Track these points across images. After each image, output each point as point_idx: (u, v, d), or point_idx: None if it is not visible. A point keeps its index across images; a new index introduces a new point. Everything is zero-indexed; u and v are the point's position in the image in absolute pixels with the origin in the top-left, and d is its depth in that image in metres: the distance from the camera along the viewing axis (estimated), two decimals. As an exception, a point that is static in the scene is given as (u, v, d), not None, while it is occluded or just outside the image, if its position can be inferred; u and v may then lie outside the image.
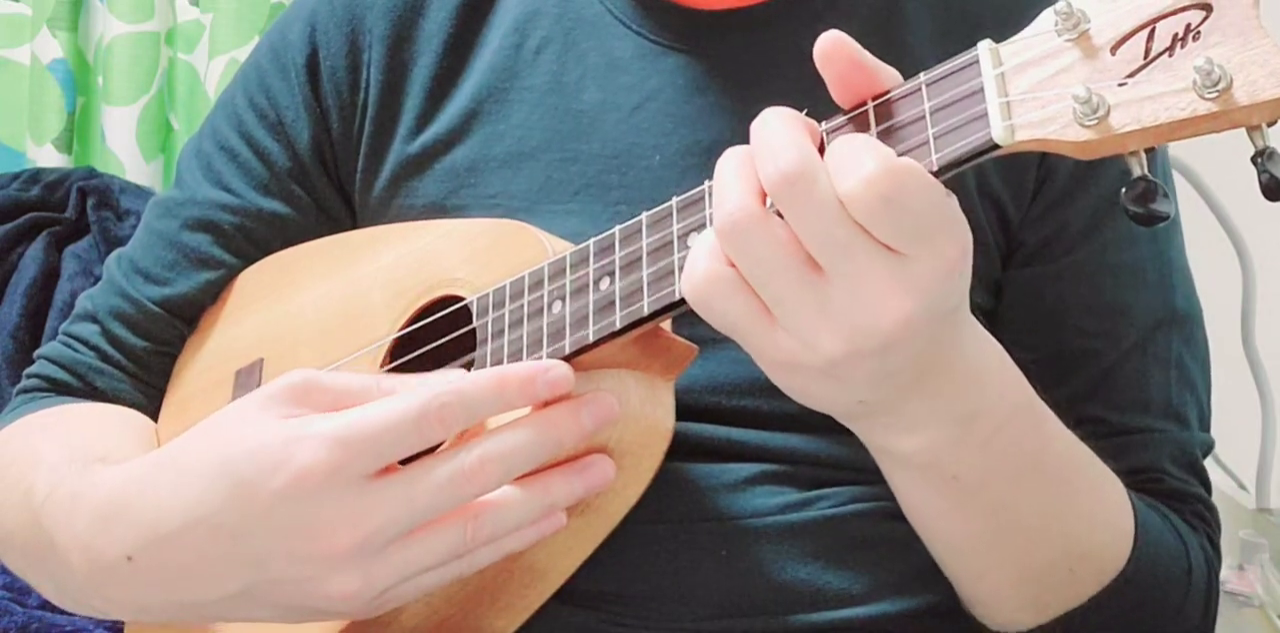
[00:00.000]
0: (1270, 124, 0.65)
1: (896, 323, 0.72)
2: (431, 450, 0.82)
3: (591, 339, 0.83)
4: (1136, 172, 0.68)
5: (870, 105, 0.75)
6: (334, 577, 0.80)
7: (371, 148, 1.05)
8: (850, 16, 1.00)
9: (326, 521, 0.79)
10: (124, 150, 1.98)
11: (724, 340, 0.93)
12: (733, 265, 0.74)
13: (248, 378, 1.04)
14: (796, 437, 0.95)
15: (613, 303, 0.82)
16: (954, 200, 0.72)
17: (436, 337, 0.94)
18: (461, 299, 0.92)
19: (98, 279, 1.15)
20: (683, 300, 0.79)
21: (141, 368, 1.09)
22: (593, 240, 0.85)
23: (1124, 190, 0.68)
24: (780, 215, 0.72)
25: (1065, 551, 0.90)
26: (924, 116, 0.73)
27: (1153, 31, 0.66)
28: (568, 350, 0.84)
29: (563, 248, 0.89)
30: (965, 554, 0.90)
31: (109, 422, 1.06)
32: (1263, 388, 1.62)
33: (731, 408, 0.95)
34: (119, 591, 0.89)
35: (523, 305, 0.87)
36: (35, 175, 1.90)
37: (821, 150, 0.73)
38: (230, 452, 0.82)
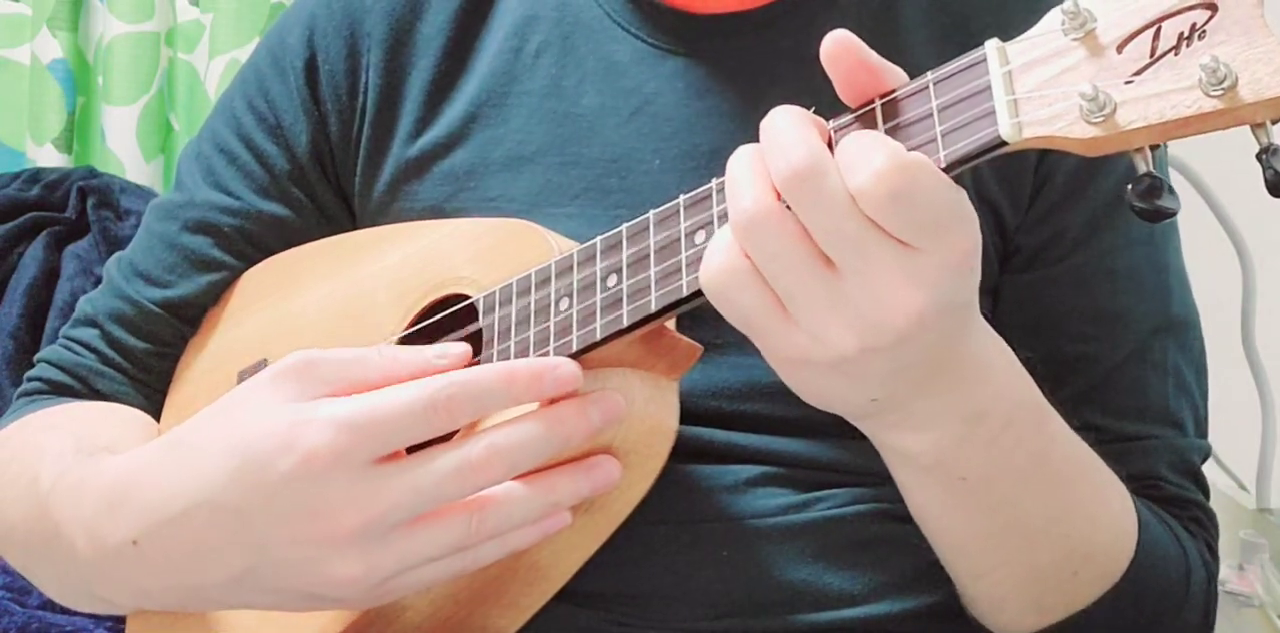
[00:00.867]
0: (1275, 122, 0.66)
1: (908, 318, 0.72)
2: (438, 442, 0.82)
3: (599, 336, 0.83)
4: (1142, 168, 0.68)
5: (878, 103, 0.75)
6: (336, 560, 0.81)
7: (370, 151, 1.05)
8: (847, 18, 1.00)
9: (331, 503, 0.80)
10: (124, 150, 1.98)
11: (725, 345, 0.93)
12: (748, 259, 0.74)
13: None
14: (797, 440, 0.95)
15: (620, 300, 0.83)
16: (964, 195, 0.72)
17: (442, 335, 0.95)
18: (467, 298, 0.92)
19: (98, 279, 1.15)
20: (690, 297, 0.80)
21: (142, 370, 1.09)
22: (599, 238, 0.85)
23: (1130, 187, 0.68)
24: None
25: (1069, 551, 0.90)
26: (931, 114, 0.73)
27: (1158, 30, 0.67)
28: (575, 347, 0.84)
29: (568, 247, 0.89)
30: (969, 554, 0.90)
31: (112, 417, 1.07)
32: (1263, 388, 1.62)
33: (732, 412, 0.95)
34: (122, 575, 0.89)
35: (529, 304, 0.87)
36: (35, 175, 1.90)
37: (831, 148, 0.73)
38: (237, 434, 0.82)
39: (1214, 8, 0.65)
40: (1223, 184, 1.57)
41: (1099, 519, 0.91)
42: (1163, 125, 0.66)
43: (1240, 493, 1.63)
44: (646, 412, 0.88)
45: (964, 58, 0.73)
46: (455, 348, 0.84)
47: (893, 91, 0.75)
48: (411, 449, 0.82)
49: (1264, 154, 0.65)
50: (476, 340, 0.91)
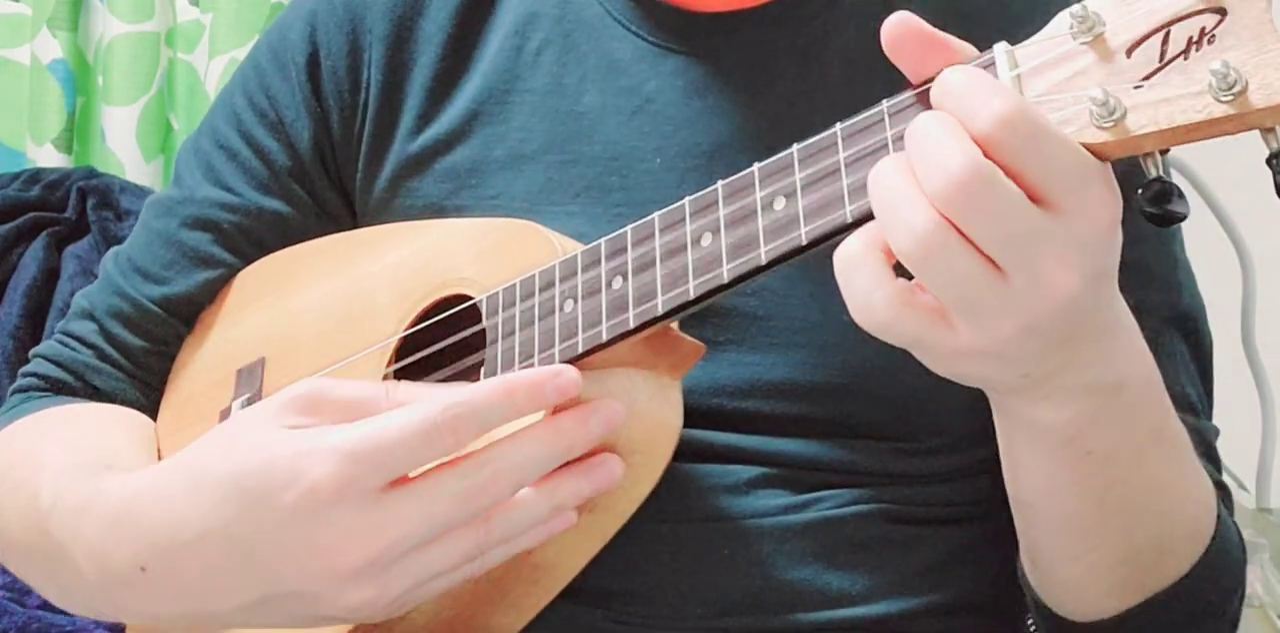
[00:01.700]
0: (1285, 127, 0.66)
1: (1068, 292, 0.70)
2: None
3: (605, 338, 0.83)
4: (1152, 173, 0.68)
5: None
6: (349, 589, 0.80)
7: (372, 147, 1.05)
8: (849, 18, 1.00)
9: (339, 537, 0.79)
10: (124, 150, 1.97)
11: (726, 343, 0.93)
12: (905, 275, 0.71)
13: (249, 377, 1.04)
14: (797, 441, 0.95)
15: (626, 303, 0.83)
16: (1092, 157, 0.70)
17: (444, 336, 0.95)
18: (469, 298, 0.92)
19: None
20: (697, 300, 0.80)
21: (139, 367, 1.09)
22: (604, 240, 0.85)
23: (1140, 192, 0.68)
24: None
25: (1164, 529, 0.89)
26: None
27: (1167, 35, 0.66)
28: (580, 349, 0.84)
29: (571, 247, 0.89)
30: (1073, 533, 0.88)
31: (113, 425, 1.06)
32: (1263, 388, 1.63)
33: (733, 410, 0.95)
34: (131, 600, 0.89)
35: (534, 305, 0.87)
36: (35, 175, 1.90)
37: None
38: (242, 465, 0.81)
39: (1223, 12, 0.65)
40: (1223, 184, 1.57)
41: (1193, 497, 0.90)
42: (1173, 130, 0.66)
43: (1240, 493, 1.63)
44: (650, 411, 0.88)
45: (974, 61, 0.72)
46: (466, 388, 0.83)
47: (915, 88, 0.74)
48: None
49: (1274, 159, 0.65)
50: (479, 340, 0.91)
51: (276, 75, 1.08)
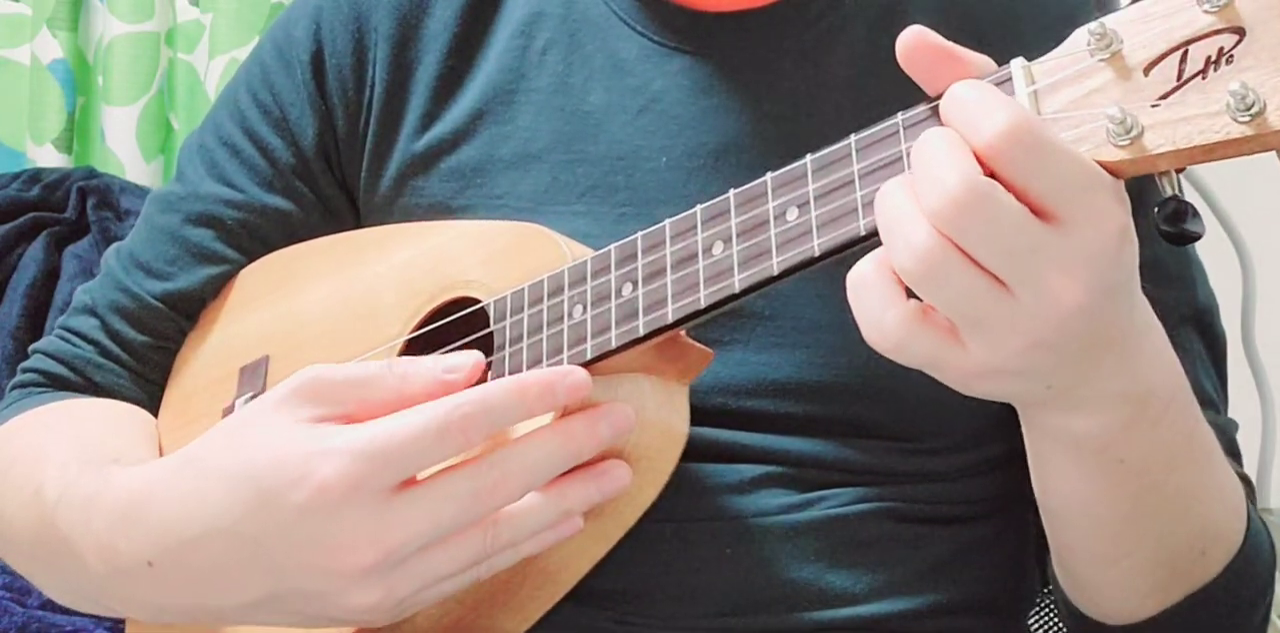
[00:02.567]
0: (1304, 148, 0.66)
1: (1072, 306, 0.70)
2: None
3: (614, 345, 0.83)
4: (1168, 191, 0.68)
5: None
6: (355, 590, 0.81)
7: (376, 146, 1.05)
8: (854, 19, 1.00)
9: (348, 536, 0.79)
10: (124, 150, 1.98)
11: (730, 342, 0.93)
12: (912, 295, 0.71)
13: (253, 375, 1.04)
14: (801, 440, 0.95)
15: (636, 310, 0.83)
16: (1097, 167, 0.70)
17: (450, 339, 0.94)
18: (477, 301, 0.92)
19: (98, 279, 1.15)
20: (708, 309, 0.80)
21: (141, 363, 1.09)
22: (614, 246, 0.85)
23: (1155, 210, 0.68)
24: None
25: (1200, 530, 0.89)
26: None
27: (1185, 54, 0.66)
28: (589, 355, 0.84)
29: (580, 252, 0.89)
30: (1109, 539, 0.88)
31: (115, 420, 1.06)
32: (1263, 388, 1.62)
33: (737, 409, 0.95)
34: (138, 593, 0.89)
35: (542, 311, 0.87)
36: (35, 175, 1.90)
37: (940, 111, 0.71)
38: (252, 461, 0.81)
39: (1241, 32, 0.65)
40: (1223, 184, 1.57)
41: (1225, 497, 0.90)
42: (1190, 150, 0.66)
43: (1240, 493, 1.63)
44: (658, 417, 0.88)
45: (990, 76, 0.72)
46: (465, 361, 0.83)
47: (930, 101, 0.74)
48: None
49: None
50: (486, 344, 0.91)
51: (281, 72, 1.08)
